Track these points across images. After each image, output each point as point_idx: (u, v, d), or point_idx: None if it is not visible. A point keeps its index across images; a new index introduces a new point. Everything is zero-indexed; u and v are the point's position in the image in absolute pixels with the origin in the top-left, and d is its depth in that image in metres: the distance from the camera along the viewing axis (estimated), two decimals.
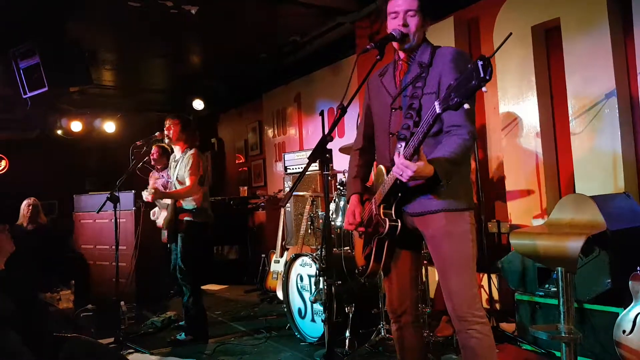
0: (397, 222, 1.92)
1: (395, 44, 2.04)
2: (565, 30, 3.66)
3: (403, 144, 1.76)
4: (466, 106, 1.52)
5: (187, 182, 3.78)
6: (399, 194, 1.92)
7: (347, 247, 3.83)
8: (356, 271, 2.19)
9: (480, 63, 1.42)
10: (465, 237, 1.92)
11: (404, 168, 1.72)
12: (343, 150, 3.69)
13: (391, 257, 2.02)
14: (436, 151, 1.83)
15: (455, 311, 1.91)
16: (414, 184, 1.86)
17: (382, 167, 2.01)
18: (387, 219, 1.91)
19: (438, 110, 1.59)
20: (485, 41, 4.49)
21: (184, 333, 3.84)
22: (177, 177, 3.89)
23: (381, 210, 1.94)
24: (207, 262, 6.78)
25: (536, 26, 3.86)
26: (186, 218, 3.80)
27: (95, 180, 8.69)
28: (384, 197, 1.94)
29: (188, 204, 3.81)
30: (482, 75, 1.41)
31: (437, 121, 1.66)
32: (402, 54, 2.06)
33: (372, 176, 2.20)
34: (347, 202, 2.25)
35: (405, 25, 1.96)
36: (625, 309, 2.60)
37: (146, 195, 3.71)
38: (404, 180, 1.75)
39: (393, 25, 2.00)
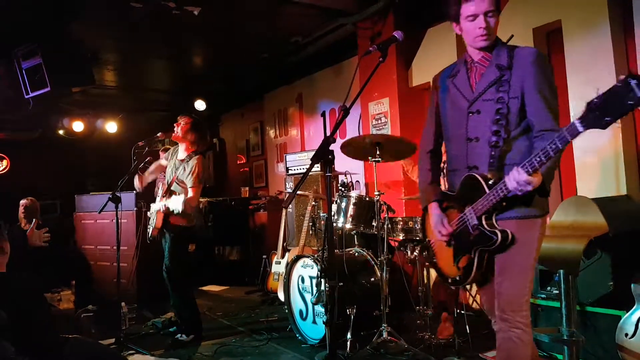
0: (508, 233, 1.86)
1: (469, 45, 1.99)
2: (567, 32, 3.66)
3: (527, 162, 1.68)
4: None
5: (190, 192, 3.77)
6: (504, 204, 1.86)
7: (349, 249, 3.83)
8: (449, 280, 2.12)
9: (633, 82, 1.38)
10: (532, 245, 1.91)
11: (525, 185, 1.70)
12: (344, 148, 3.69)
13: (491, 264, 1.97)
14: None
15: (500, 311, 1.92)
16: (513, 194, 1.81)
17: (479, 177, 1.90)
18: (497, 231, 1.86)
19: (580, 130, 1.53)
20: None
21: (184, 334, 3.84)
22: (177, 178, 3.87)
23: (484, 222, 1.89)
24: (206, 263, 6.79)
25: (537, 28, 3.86)
26: (174, 222, 3.83)
27: (96, 181, 8.70)
28: (487, 209, 1.87)
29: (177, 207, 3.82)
30: (638, 95, 1.38)
31: (564, 142, 1.60)
32: (476, 56, 2.00)
33: (449, 178, 2.13)
34: (424, 209, 2.20)
35: (487, 27, 1.90)
36: (627, 312, 2.59)
37: (154, 212, 3.83)
38: (521, 194, 1.74)
39: (472, 28, 1.92)
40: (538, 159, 1.65)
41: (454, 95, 2.05)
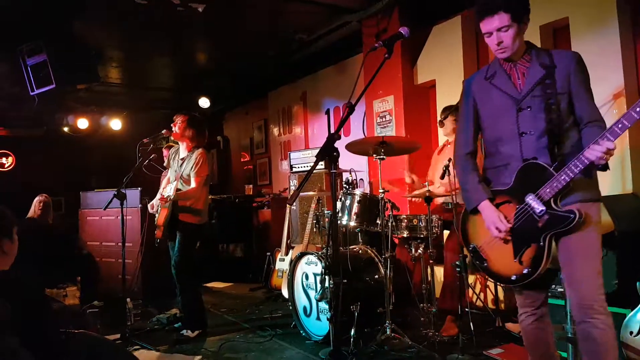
0: (582, 211, 1.91)
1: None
2: (574, 30, 3.64)
3: (608, 131, 1.81)
4: None
5: (193, 182, 3.79)
6: (571, 185, 1.93)
7: (353, 246, 3.83)
8: (512, 278, 2.07)
9: None
10: (595, 228, 1.96)
11: (610, 152, 1.81)
12: (350, 146, 3.69)
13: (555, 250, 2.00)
14: (590, 142, 1.87)
15: (581, 299, 1.94)
16: (578, 175, 1.91)
17: (542, 164, 1.97)
18: (573, 210, 1.91)
19: None
20: (484, 42, 4.47)
21: (189, 329, 3.86)
22: (182, 175, 3.90)
23: (554, 205, 1.95)
24: (211, 260, 6.81)
25: (544, 25, 3.84)
26: (184, 219, 3.84)
27: (101, 177, 8.73)
28: (558, 191, 1.93)
29: (187, 204, 3.83)
30: None
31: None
32: (514, 56, 2.08)
33: (494, 177, 2.16)
34: (472, 211, 2.18)
35: (499, 43, 2.02)
36: (632, 310, 2.59)
37: (156, 202, 3.80)
38: (604, 162, 1.83)
39: (490, 43, 2.06)
40: (618, 126, 1.78)
41: (498, 96, 2.11)
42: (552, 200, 1.95)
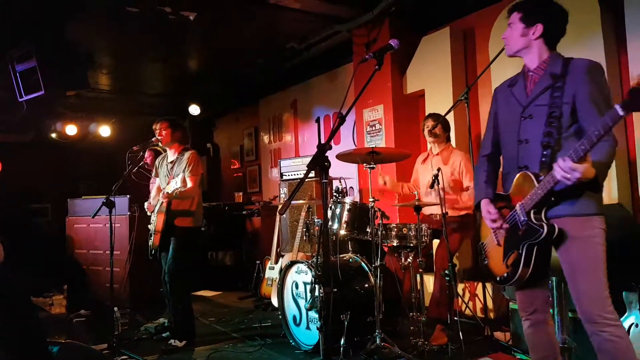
0: (554, 227, 1.94)
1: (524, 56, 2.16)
2: (561, 42, 3.70)
3: (572, 150, 1.76)
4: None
5: (189, 182, 3.76)
6: (552, 199, 1.94)
7: (343, 254, 3.83)
8: (498, 279, 2.19)
9: None
10: (594, 241, 1.97)
11: (571, 171, 1.75)
12: (340, 156, 3.71)
13: (541, 262, 2.02)
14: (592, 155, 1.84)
15: (584, 313, 1.95)
16: (560, 188, 1.90)
17: (529, 174, 2.00)
18: (543, 224, 1.94)
19: (621, 113, 1.62)
20: (480, 51, 4.54)
21: (177, 339, 3.82)
22: (174, 178, 3.85)
23: (532, 216, 1.98)
24: (199, 268, 6.76)
25: None
26: (180, 224, 3.79)
27: (89, 185, 8.65)
28: (535, 203, 1.96)
29: (184, 207, 3.80)
30: None
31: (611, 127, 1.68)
32: (532, 65, 2.13)
33: (504, 183, 2.23)
34: (477, 207, 2.26)
35: (505, 37, 2.17)
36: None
37: (160, 198, 3.74)
38: (570, 182, 1.78)
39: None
40: (582, 147, 1.73)
41: (511, 103, 2.18)
42: (531, 211, 1.98)
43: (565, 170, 1.76)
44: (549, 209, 1.98)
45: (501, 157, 2.31)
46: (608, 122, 1.66)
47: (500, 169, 2.30)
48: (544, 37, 2.10)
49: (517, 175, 2.06)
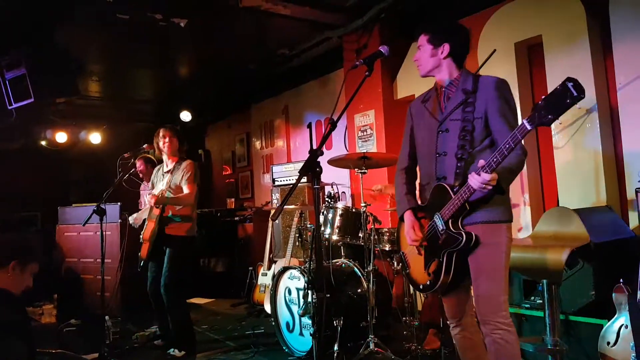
0: (472, 234, 2.04)
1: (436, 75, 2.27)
2: (548, 47, 3.75)
3: (487, 163, 1.87)
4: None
5: (186, 189, 3.73)
6: (467, 208, 2.04)
7: (336, 260, 3.84)
8: (420, 287, 2.28)
9: (570, 84, 1.61)
10: (500, 249, 2.08)
11: (485, 184, 1.88)
12: (332, 162, 3.72)
13: (460, 268, 2.10)
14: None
15: (481, 315, 2.07)
16: (475, 198, 2.00)
17: (445, 185, 2.10)
18: (462, 232, 2.04)
19: (529, 127, 1.74)
20: (469, 57, 4.56)
21: (176, 349, 3.75)
22: (171, 186, 3.82)
23: (450, 225, 2.07)
24: (192, 276, 6.72)
25: (519, 42, 3.96)
26: (173, 233, 3.75)
27: (79, 192, 8.58)
28: (453, 213, 2.06)
29: (178, 214, 3.77)
30: (575, 94, 1.60)
31: (520, 139, 1.81)
32: (445, 82, 2.23)
33: (422, 194, 2.32)
34: (401, 218, 2.35)
35: (416, 59, 2.28)
36: (609, 320, 2.64)
37: (148, 199, 3.67)
38: (486, 192, 1.92)
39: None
40: (495, 159, 1.85)
41: (426, 118, 2.28)
42: (449, 220, 2.08)
43: (483, 183, 1.88)
44: (465, 217, 2.08)
45: (417, 169, 2.40)
46: (518, 136, 1.79)
47: (418, 180, 2.39)
48: (452, 56, 2.20)
49: (435, 186, 2.16)
